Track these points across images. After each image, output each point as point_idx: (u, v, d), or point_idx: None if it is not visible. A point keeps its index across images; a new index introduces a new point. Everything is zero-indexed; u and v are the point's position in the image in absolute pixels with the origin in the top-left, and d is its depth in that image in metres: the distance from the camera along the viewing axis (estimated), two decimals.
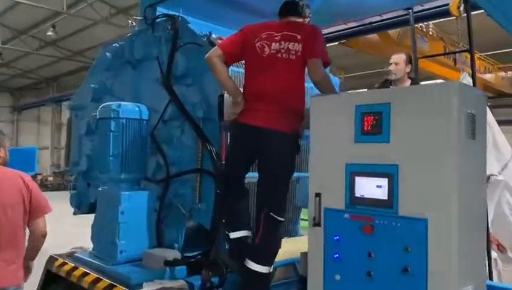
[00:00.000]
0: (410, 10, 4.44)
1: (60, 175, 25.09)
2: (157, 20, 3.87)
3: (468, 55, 13.89)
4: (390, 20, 11.27)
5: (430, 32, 13.77)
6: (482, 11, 2.47)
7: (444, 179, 2.02)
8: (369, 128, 2.27)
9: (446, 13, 6.24)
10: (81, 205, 4.67)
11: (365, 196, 2.27)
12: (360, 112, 2.31)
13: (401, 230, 2.14)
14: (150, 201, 3.36)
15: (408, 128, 2.14)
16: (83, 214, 4.72)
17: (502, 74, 17.67)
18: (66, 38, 19.49)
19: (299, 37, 2.69)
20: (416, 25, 13.15)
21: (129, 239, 3.19)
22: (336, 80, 4.28)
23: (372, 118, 2.26)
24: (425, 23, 13.32)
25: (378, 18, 11.32)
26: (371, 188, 2.25)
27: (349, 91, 2.50)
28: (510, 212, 5.01)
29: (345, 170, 2.35)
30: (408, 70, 4.26)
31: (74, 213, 4.77)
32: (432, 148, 2.06)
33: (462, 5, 5.29)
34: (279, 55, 2.70)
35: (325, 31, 11.44)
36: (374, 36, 12.22)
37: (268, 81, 2.70)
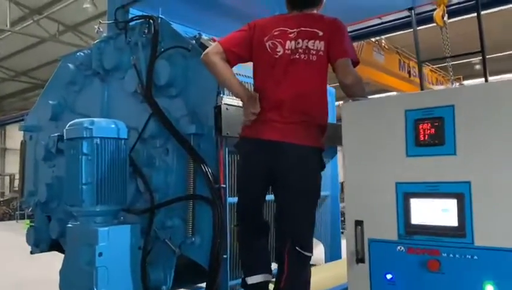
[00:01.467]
0: (412, 11, 4.13)
1: (5, 204, 23.36)
2: (131, 23, 3.32)
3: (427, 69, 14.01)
4: (354, 33, 11.26)
5: (386, 46, 13.94)
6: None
7: None
8: (426, 137, 1.83)
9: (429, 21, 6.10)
10: (39, 243, 3.99)
11: (426, 223, 1.82)
12: (412, 119, 1.87)
13: (479, 264, 1.70)
14: (133, 237, 2.76)
15: (480, 136, 1.72)
16: (41, 252, 4.06)
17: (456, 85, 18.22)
18: (10, 58, 18.26)
19: (320, 33, 2.22)
20: (371, 39, 13.32)
21: (110, 287, 2.57)
22: (331, 90, 3.90)
23: (429, 124, 1.83)
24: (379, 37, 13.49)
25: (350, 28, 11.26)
26: (433, 212, 1.80)
27: (396, 93, 2.06)
28: None
29: (396, 191, 1.89)
30: None
31: (31, 252, 4.07)
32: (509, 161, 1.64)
33: (446, 14, 5.08)
34: (297, 55, 2.22)
35: None
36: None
37: (285, 87, 2.21)
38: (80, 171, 2.67)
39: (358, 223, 1.98)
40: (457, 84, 18.71)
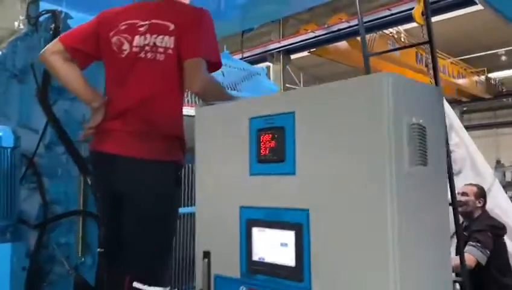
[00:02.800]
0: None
1: None
2: (40, 18, 3.05)
3: (443, 61, 13.33)
4: (357, 27, 10.71)
5: (402, 39, 13.29)
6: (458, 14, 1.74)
7: (377, 234, 1.21)
8: (267, 152, 1.46)
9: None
10: None
11: (265, 260, 1.45)
12: (255, 129, 1.50)
13: None
14: (15, 256, 2.48)
15: (322, 151, 1.34)
16: None
17: (475, 78, 17.34)
18: None
19: (171, 27, 1.83)
20: (387, 31, 12.67)
21: None
22: None
23: (270, 136, 1.46)
24: (396, 30, 12.85)
25: (346, 24, 10.79)
26: (273, 246, 1.43)
27: (246, 97, 1.68)
28: None
29: (240, 217, 1.53)
30: (479, 205, 3.69)
31: None
32: (355, 183, 1.25)
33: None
34: (142, 54, 1.84)
35: (291, 40, 10.80)
36: (343, 44, 11.58)
37: (127, 91, 1.85)
38: None
39: (206, 255, 1.62)
40: (481, 77, 17.84)
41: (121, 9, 1.98)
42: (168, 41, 1.82)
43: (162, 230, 1.82)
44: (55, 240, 2.67)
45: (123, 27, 1.88)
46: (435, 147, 1.40)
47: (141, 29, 1.86)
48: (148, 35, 1.84)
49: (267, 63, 13.60)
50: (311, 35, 11.35)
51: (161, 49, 1.82)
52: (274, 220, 1.42)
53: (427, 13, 2.82)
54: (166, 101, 1.83)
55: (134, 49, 1.85)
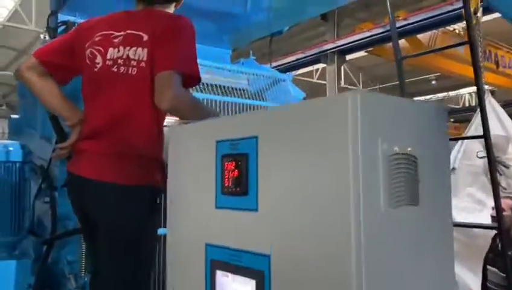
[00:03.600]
0: None
1: None
2: (59, 30, 3.02)
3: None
4: (416, 25, 10.10)
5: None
6: None
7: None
8: (230, 183, 1.25)
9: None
10: None
11: None
12: (220, 154, 1.29)
13: None
14: (20, 274, 2.44)
15: (285, 184, 1.11)
16: None
17: None
18: None
19: (145, 37, 1.66)
20: (451, 28, 11.88)
21: None
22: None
23: (233, 164, 1.24)
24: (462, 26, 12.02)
25: (404, 22, 10.20)
26: None
27: (219, 118, 1.44)
28: None
29: (205, 255, 1.33)
30: None
31: None
32: (319, 227, 1.01)
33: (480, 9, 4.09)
34: (115, 68, 1.68)
35: (345, 40, 10.44)
36: (401, 42, 10.97)
37: (100, 109, 1.70)
38: None
39: None
40: None
41: (99, 19, 1.84)
42: (142, 53, 1.65)
43: (135, 261, 1.65)
44: (63, 257, 2.61)
45: (97, 38, 1.74)
46: (433, 181, 1.12)
47: (115, 40, 1.71)
48: (121, 47, 1.68)
49: (322, 64, 13.27)
50: (367, 34, 10.86)
51: (134, 62, 1.65)
52: (237, 264, 1.21)
53: (467, 12, 2.47)
54: (140, 119, 1.66)
55: (108, 62, 1.70)
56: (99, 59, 1.71)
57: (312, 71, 16.03)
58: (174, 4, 1.88)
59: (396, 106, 1.07)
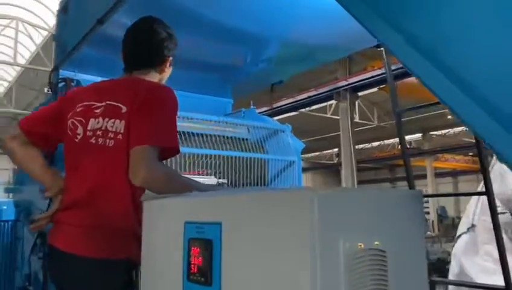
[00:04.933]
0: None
1: None
2: (59, 85, 3.07)
3: None
4: None
5: None
6: None
7: None
8: (195, 270, 1.19)
9: None
10: None
11: None
12: (187, 237, 1.25)
13: None
14: None
15: (248, 277, 1.05)
16: None
17: None
18: None
19: (124, 109, 1.63)
20: None
21: None
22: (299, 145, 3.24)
23: (198, 249, 1.19)
24: None
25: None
26: None
27: (189, 196, 1.37)
28: None
29: None
30: None
31: None
32: None
33: None
34: (93, 140, 1.66)
35: (358, 78, 10.44)
36: (412, 79, 10.93)
37: (77, 180, 1.67)
38: None
39: None
40: None
41: (83, 89, 1.85)
42: (119, 125, 1.62)
43: None
44: None
45: (79, 109, 1.73)
46: (407, 274, 1.04)
47: (97, 111, 1.69)
48: (101, 119, 1.67)
49: (333, 101, 13.28)
50: (378, 72, 10.87)
51: (111, 134, 1.63)
52: None
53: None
54: (115, 192, 1.62)
55: (88, 133, 1.68)
56: (80, 130, 1.69)
57: (326, 106, 16.05)
58: (157, 71, 1.86)
59: (362, 200, 1.01)
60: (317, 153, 26.90)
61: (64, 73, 3.12)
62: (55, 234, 1.69)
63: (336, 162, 24.04)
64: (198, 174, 2.86)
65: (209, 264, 1.14)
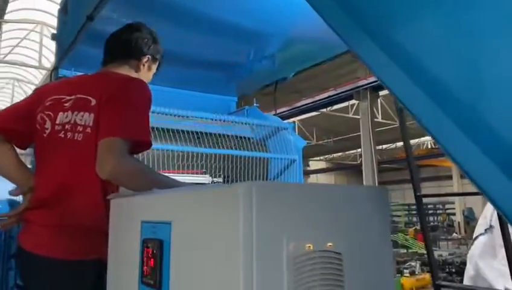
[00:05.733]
0: None
1: None
2: None
3: None
4: None
5: None
6: None
7: None
8: (147, 272, 1.12)
9: None
10: None
11: None
12: (143, 237, 1.17)
13: None
14: None
15: (196, 280, 0.97)
16: None
17: None
18: None
19: (93, 102, 1.57)
20: None
21: None
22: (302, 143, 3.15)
23: (150, 250, 1.12)
24: None
25: None
26: None
27: (148, 193, 1.29)
28: None
29: None
30: None
31: None
32: None
33: None
34: (62, 134, 1.59)
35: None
36: None
37: (45, 177, 1.61)
38: None
39: None
40: None
41: (56, 83, 1.80)
42: (88, 118, 1.56)
43: None
44: None
45: (48, 103, 1.67)
46: (368, 276, 0.94)
47: (66, 105, 1.63)
48: (69, 112, 1.61)
49: (355, 101, 13.06)
50: None
51: (80, 128, 1.56)
52: None
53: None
54: (85, 189, 1.55)
55: (56, 128, 1.61)
56: (48, 124, 1.64)
57: (348, 106, 15.83)
58: (132, 67, 1.80)
59: (314, 196, 0.92)
60: (340, 154, 26.59)
61: (63, 72, 3.12)
62: (24, 234, 1.63)
63: (359, 162, 23.67)
64: (194, 173, 2.80)
65: (159, 266, 1.06)
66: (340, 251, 0.90)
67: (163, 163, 2.88)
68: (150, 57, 1.84)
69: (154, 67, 1.88)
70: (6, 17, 13.40)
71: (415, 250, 12.61)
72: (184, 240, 1.00)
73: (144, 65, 1.82)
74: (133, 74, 1.79)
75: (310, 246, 0.87)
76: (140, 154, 2.82)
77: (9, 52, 16.49)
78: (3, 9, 12.66)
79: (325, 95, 12.92)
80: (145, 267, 1.12)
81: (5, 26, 14.38)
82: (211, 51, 3.19)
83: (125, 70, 1.77)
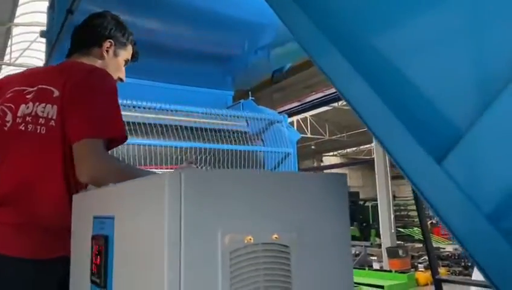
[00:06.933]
0: None
1: None
2: None
3: None
4: None
5: None
6: None
7: None
8: (95, 270, 1.05)
9: None
10: None
11: None
12: (92, 234, 1.10)
13: None
14: None
15: (135, 279, 0.89)
16: None
17: None
18: None
19: (56, 93, 1.48)
20: None
21: None
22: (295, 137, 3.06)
23: (97, 247, 1.05)
24: None
25: None
26: None
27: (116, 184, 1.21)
28: None
29: None
30: None
31: None
32: None
33: None
34: (23, 127, 1.50)
35: None
36: None
37: (6, 174, 1.51)
38: None
39: None
40: None
41: (18, 74, 1.73)
42: (51, 110, 1.48)
43: None
44: None
45: (9, 95, 1.59)
46: (322, 269, 0.86)
47: (28, 96, 1.55)
48: (31, 104, 1.52)
49: None
50: None
51: (42, 120, 1.48)
52: None
53: None
54: (49, 186, 1.47)
55: (17, 120, 1.53)
56: (9, 117, 1.55)
57: None
58: (96, 55, 1.72)
59: (256, 184, 0.83)
60: (354, 149, 26.33)
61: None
62: None
63: (373, 157, 23.42)
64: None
65: (104, 264, 0.99)
66: (287, 243, 0.82)
67: (155, 158, 2.82)
68: (112, 41, 1.75)
69: (122, 53, 1.78)
70: (16, 20, 13.48)
71: None
72: (124, 235, 0.93)
73: (107, 51, 1.73)
74: (98, 63, 1.71)
75: (250, 239, 0.79)
76: (136, 151, 2.78)
77: (20, 56, 16.63)
78: (13, 12, 12.76)
79: (333, 90, 12.72)
80: (93, 265, 1.05)
81: (15, 30, 14.46)
82: (204, 44, 3.15)
83: (89, 60, 1.69)
